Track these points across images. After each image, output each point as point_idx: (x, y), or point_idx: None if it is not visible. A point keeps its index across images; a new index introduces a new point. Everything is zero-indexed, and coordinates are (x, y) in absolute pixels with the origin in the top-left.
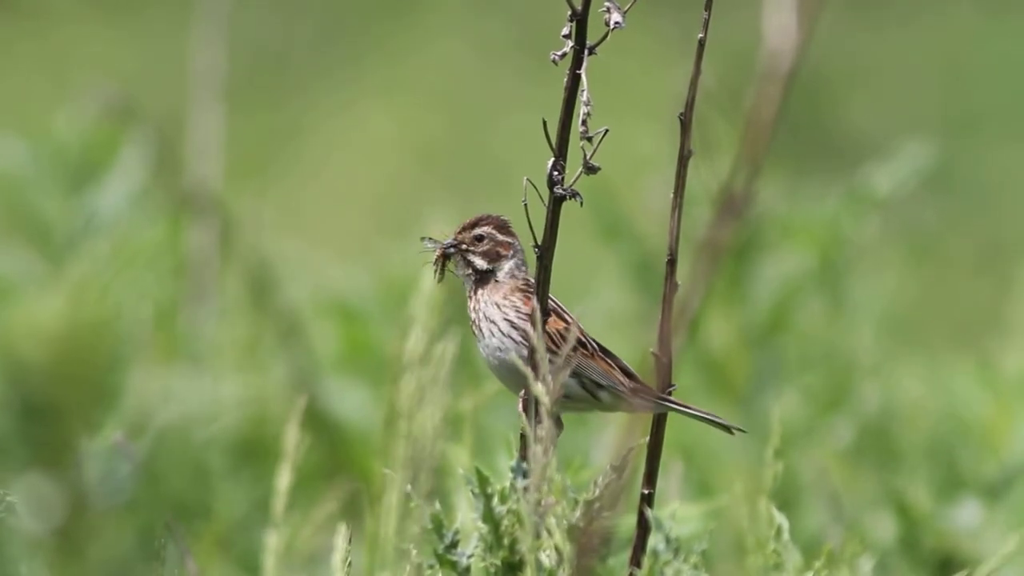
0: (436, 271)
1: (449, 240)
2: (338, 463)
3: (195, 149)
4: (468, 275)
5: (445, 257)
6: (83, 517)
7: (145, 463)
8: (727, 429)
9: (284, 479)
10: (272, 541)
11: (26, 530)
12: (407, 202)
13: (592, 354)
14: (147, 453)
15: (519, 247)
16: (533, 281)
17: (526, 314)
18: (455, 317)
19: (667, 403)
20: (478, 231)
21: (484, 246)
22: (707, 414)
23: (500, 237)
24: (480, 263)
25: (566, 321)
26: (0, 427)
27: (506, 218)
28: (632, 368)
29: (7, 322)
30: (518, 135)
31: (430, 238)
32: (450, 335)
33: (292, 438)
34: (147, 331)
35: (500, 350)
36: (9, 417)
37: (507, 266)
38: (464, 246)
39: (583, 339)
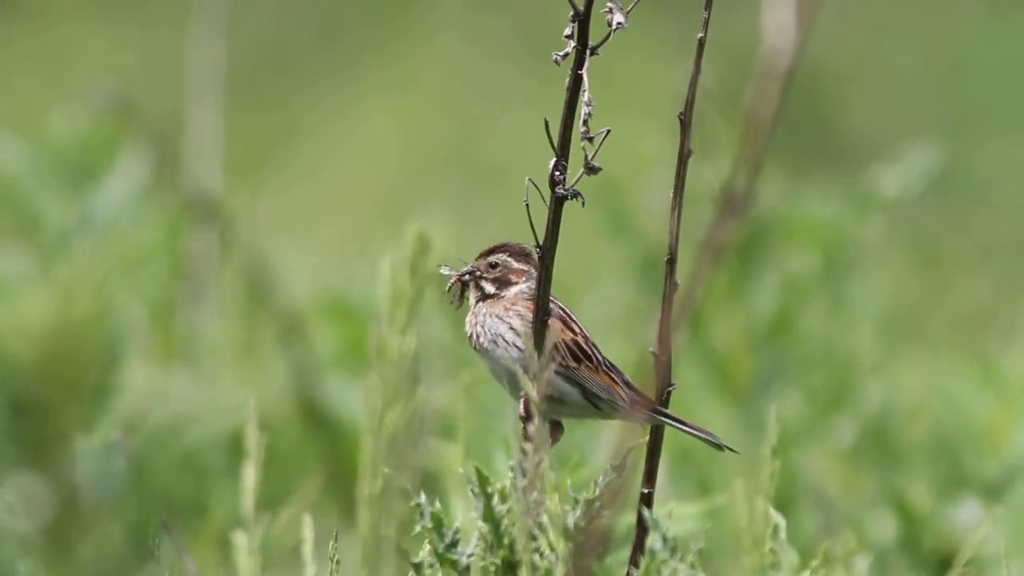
0: (453, 299)
1: (466, 268)
2: (337, 461)
3: (194, 148)
4: (476, 296)
5: (463, 284)
6: (73, 515)
7: (141, 462)
8: (718, 447)
9: (250, 477)
10: (241, 541)
11: (16, 529)
12: (407, 201)
13: (596, 368)
14: (143, 452)
15: (534, 274)
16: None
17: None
18: (426, 310)
19: (661, 417)
20: (492, 258)
21: (496, 273)
22: (699, 430)
23: (515, 265)
24: (489, 288)
25: (574, 331)
26: None
27: (527, 246)
28: (633, 381)
29: None
30: (519, 135)
31: (446, 265)
32: (415, 328)
33: (252, 437)
34: (143, 330)
35: (503, 360)
36: None
37: (514, 289)
38: (478, 273)
39: (588, 352)
